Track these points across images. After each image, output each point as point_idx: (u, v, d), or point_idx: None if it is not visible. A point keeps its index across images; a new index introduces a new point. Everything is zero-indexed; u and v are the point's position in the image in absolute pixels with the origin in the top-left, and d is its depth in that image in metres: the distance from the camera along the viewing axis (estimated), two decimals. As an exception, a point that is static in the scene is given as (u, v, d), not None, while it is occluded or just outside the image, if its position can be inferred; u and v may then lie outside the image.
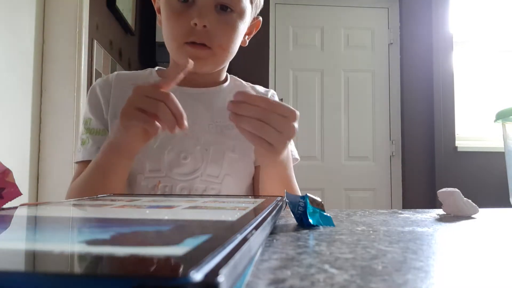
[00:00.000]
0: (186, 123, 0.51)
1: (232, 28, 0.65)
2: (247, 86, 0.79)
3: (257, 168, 0.74)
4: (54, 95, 1.58)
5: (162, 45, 2.69)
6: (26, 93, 1.48)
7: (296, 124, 0.52)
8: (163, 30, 0.68)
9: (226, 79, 0.77)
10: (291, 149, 0.75)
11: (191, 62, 0.53)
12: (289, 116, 0.51)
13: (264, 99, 0.51)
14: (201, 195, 0.62)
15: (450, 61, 2.83)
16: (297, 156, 0.77)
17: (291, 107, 0.52)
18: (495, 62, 2.92)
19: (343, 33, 2.88)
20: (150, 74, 0.76)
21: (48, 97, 1.58)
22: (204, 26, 0.62)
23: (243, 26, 0.68)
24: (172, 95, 0.51)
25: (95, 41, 1.78)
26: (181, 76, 0.53)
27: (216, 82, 0.75)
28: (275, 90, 2.88)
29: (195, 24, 0.62)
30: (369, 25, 2.90)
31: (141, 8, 2.53)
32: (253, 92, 0.76)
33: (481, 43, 2.93)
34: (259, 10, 0.74)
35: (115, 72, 0.76)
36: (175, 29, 0.64)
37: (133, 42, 2.47)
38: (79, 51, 1.62)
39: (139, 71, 0.79)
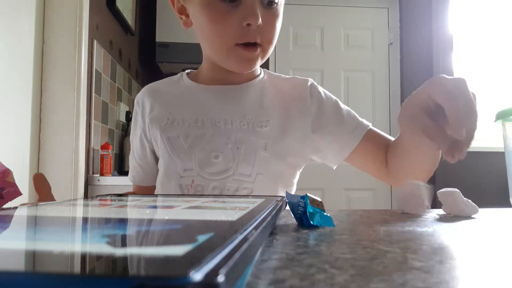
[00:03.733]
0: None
1: (278, 21, 0.65)
2: (281, 77, 0.77)
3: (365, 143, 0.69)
4: (54, 95, 1.58)
5: (162, 45, 2.67)
6: (26, 93, 1.48)
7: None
8: (203, 33, 0.66)
9: (259, 73, 0.76)
10: (360, 120, 0.71)
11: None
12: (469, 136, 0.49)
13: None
14: (202, 196, 0.62)
15: (450, 61, 2.82)
16: (367, 122, 0.72)
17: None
18: (495, 62, 2.92)
19: (343, 33, 2.88)
20: (181, 77, 0.77)
21: (48, 97, 1.58)
22: (258, 25, 0.61)
23: (281, 15, 0.67)
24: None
25: (95, 41, 1.78)
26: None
27: (250, 77, 0.74)
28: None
29: (248, 25, 0.61)
30: (369, 25, 2.90)
31: (141, 8, 2.53)
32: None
33: (481, 43, 2.93)
34: None
35: (145, 89, 0.77)
36: (225, 31, 0.62)
37: (133, 42, 2.47)
38: (79, 51, 1.62)
39: (169, 78, 0.79)
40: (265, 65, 2.78)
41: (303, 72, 2.83)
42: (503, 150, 0.68)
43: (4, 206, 0.34)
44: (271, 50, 0.67)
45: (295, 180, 0.76)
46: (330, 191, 2.77)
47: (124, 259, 0.13)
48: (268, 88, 0.73)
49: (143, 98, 0.76)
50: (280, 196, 0.45)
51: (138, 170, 0.79)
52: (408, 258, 0.23)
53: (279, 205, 0.35)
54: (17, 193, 0.37)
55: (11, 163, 0.43)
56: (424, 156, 0.62)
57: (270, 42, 0.65)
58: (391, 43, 2.89)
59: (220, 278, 0.12)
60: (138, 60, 2.60)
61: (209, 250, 0.14)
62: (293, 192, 0.72)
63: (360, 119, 0.72)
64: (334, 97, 0.74)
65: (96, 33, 1.81)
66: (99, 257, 0.14)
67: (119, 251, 0.14)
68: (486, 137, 2.77)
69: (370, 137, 0.70)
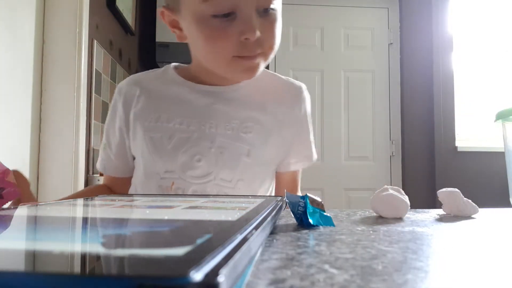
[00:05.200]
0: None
1: (277, 27, 0.64)
2: (276, 77, 0.76)
3: (279, 174, 0.75)
4: (54, 95, 1.58)
5: (162, 45, 2.66)
6: (26, 93, 1.48)
7: None
8: (199, 49, 0.65)
9: None
10: (312, 150, 0.76)
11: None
12: None
13: None
14: (202, 195, 0.62)
15: (450, 61, 2.82)
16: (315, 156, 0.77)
17: None
18: (495, 62, 2.92)
19: (343, 33, 2.88)
20: (166, 72, 0.74)
21: (48, 97, 1.58)
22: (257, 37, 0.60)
23: (280, 18, 0.65)
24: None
25: (95, 41, 1.78)
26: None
27: None
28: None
29: (246, 39, 0.59)
30: (369, 25, 2.90)
31: (141, 8, 2.53)
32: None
33: (481, 43, 2.93)
34: None
35: (131, 80, 0.75)
36: (222, 47, 0.61)
37: (133, 42, 2.47)
38: (79, 51, 1.62)
39: (154, 71, 0.77)
40: (265, 65, 2.79)
41: (303, 72, 2.83)
42: (503, 150, 0.68)
43: (4, 206, 0.34)
44: (273, 55, 0.66)
45: (273, 185, 0.77)
46: (330, 191, 2.77)
47: (124, 259, 0.13)
48: (258, 90, 0.72)
49: (128, 89, 0.73)
50: (280, 196, 0.45)
51: (113, 161, 0.76)
52: (408, 258, 0.23)
53: (279, 205, 0.35)
54: (17, 193, 0.37)
55: (11, 163, 0.43)
56: None
57: (271, 48, 0.64)
58: (391, 43, 2.89)
59: (220, 278, 0.12)
60: (138, 60, 2.60)
61: (209, 250, 0.14)
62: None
63: (308, 153, 0.75)
64: (310, 119, 0.76)
65: (96, 33, 1.81)
66: (99, 257, 0.14)
67: (119, 251, 0.14)
68: (486, 137, 2.78)
69: (294, 173, 0.76)
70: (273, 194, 0.76)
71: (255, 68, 0.64)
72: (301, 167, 0.77)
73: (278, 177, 0.76)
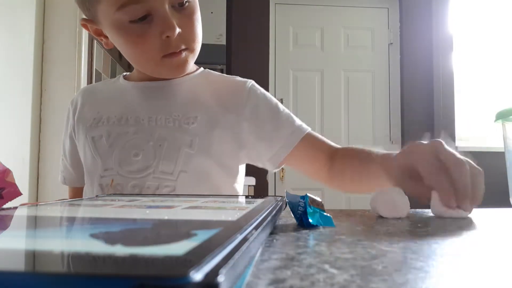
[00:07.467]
0: None
1: (196, 18, 0.64)
2: (221, 76, 0.75)
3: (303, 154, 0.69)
4: (54, 95, 1.58)
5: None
6: (26, 93, 1.48)
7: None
8: (125, 54, 0.66)
9: (195, 69, 0.74)
10: (299, 124, 0.70)
11: None
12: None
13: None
14: (202, 195, 0.62)
15: (450, 61, 2.82)
16: (306, 127, 0.71)
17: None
18: (495, 62, 2.92)
19: (343, 33, 2.88)
20: (118, 80, 0.77)
21: (48, 97, 1.58)
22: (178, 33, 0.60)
23: (198, 8, 0.66)
24: None
25: (95, 41, 1.78)
26: None
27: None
28: (275, 90, 2.87)
29: (167, 37, 0.60)
30: (369, 25, 2.90)
31: (141, 8, 2.53)
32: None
33: (481, 43, 2.93)
34: None
35: (81, 89, 0.79)
36: (147, 50, 0.62)
37: (133, 42, 2.47)
38: (79, 51, 1.62)
39: (108, 80, 0.81)
40: (265, 65, 2.78)
41: (303, 72, 2.83)
42: (503, 150, 0.68)
43: (4, 206, 0.34)
44: (199, 47, 0.66)
45: (236, 185, 0.73)
46: (330, 191, 2.75)
47: (124, 259, 0.13)
48: (202, 85, 0.71)
49: (77, 98, 0.76)
50: (280, 196, 0.45)
51: (70, 171, 0.78)
52: (408, 258, 0.23)
53: (279, 205, 0.35)
54: (17, 193, 0.37)
55: (11, 163, 0.43)
56: (381, 185, 0.63)
57: (194, 41, 0.64)
58: (391, 43, 2.89)
59: (220, 278, 0.12)
60: (138, 60, 2.59)
61: (209, 250, 0.14)
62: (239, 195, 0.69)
63: (298, 123, 0.70)
64: (274, 100, 0.72)
65: (96, 33, 1.81)
66: (99, 257, 0.14)
67: (118, 251, 0.14)
68: (486, 137, 2.78)
69: (308, 141, 0.69)
70: (239, 192, 0.74)
71: (183, 63, 0.64)
72: (297, 140, 0.69)
73: (306, 155, 0.70)
